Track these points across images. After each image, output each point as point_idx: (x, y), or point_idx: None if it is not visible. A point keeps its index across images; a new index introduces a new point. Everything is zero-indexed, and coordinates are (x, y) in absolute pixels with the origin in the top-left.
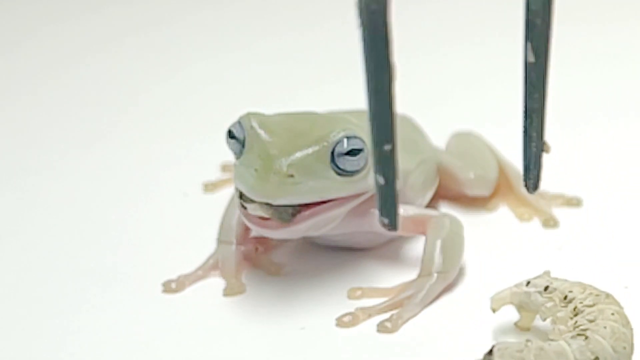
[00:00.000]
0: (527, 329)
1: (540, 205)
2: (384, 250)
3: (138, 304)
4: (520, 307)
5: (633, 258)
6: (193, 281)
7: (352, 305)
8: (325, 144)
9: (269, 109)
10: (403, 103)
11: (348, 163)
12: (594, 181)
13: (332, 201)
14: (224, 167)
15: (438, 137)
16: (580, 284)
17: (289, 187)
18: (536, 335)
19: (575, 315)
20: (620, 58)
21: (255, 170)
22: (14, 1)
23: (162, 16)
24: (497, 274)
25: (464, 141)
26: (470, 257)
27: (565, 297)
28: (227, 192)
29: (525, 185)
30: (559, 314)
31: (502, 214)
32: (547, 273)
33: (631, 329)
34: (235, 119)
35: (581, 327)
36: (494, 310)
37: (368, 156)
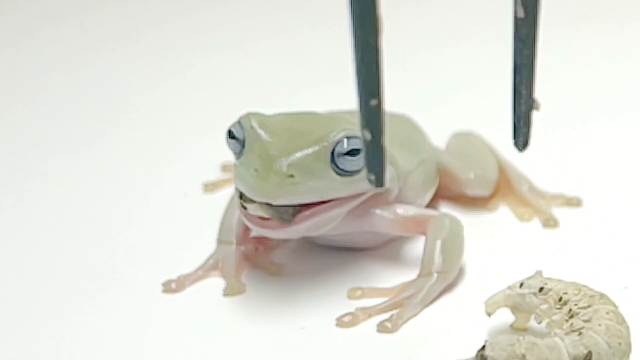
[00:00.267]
0: (524, 330)
1: (540, 205)
2: (384, 250)
3: (138, 304)
4: (514, 309)
5: (633, 258)
6: (193, 281)
7: (352, 305)
8: (325, 144)
9: (269, 109)
10: (403, 103)
11: (348, 163)
12: (594, 181)
13: (332, 201)
14: (224, 167)
15: (438, 137)
16: (574, 284)
17: (289, 187)
18: (533, 335)
19: (571, 317)
20: (620, 58)
21: (255, 170)
22: (14, 1)
23: (162, 16)
24: (497, 274)
25: (464, 141)
26: (470, 257)
27: (561, 299)
28: (227, 192)
29: (515, 144)
30: (554, 317)
31: (502, 214)
32: (539, 273)
33: (627, 327)
34: (235, 119)
35: (577, 328)
36: (489, 315)
37: None
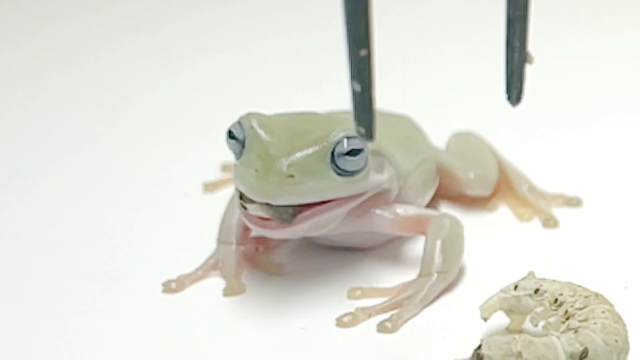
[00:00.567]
0: (520, 331)
1: (540, 205)
2: (384, 250)
3: (138, 304)
4: (510, 312)
5: (633, 258)
6: (193, 281)
7: (352, 305)
8: (325, 144)
9: (269, 109)
10: (403, 103)
11: (348, 163)
12: (594, 181)
13: (332, 201)
14: (224, 167)
15: (438, 137)
16: (569, 284)
17: (289, 187)
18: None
19: (567, 319)
20: (620, 58)
21: (256, 170)
22: (14, 1)
23: (162, 16)
24: (497, 274)
25: (464, 141)
26: (470, 257)
27: (556, 300)
28: (227, 192)
29: (508, 98)
30: (550, 320)
31: (502, 214)
32: (531, 274)
33: (624, 325)
34: (235, 119)
35: (573, 328)
36: (485, 319)
37: (368, 156)
